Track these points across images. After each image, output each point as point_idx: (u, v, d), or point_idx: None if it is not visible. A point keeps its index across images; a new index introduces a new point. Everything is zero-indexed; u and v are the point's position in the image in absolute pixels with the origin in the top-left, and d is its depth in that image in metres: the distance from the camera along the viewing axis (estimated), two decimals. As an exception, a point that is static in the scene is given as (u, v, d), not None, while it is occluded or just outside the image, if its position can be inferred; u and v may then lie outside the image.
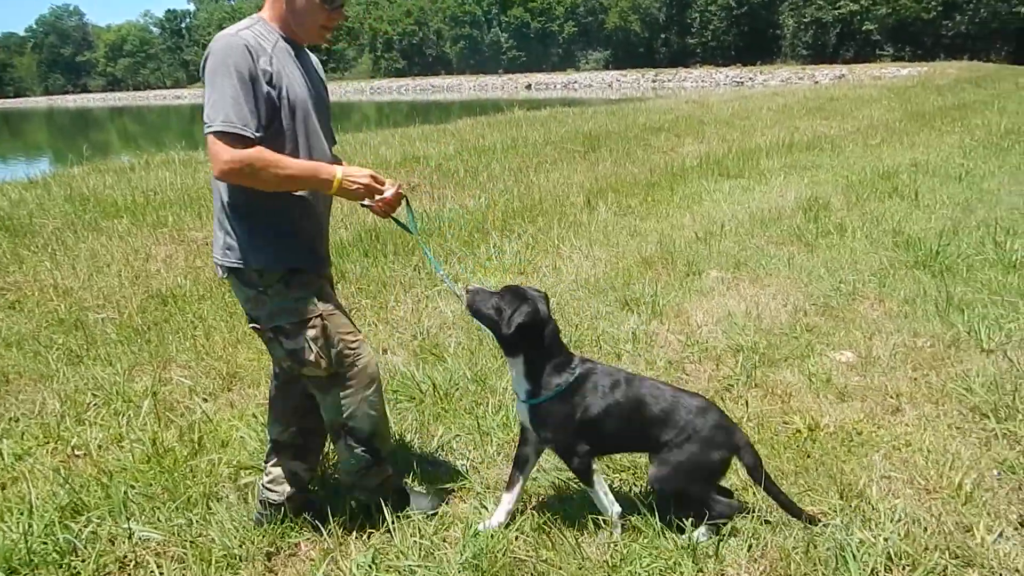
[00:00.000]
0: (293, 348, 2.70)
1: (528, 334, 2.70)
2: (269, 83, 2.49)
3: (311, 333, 2.68)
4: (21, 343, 5.00)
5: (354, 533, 2.94)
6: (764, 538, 2.76)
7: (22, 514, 3.07)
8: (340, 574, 2.74)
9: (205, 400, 4.16)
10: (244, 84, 2.42)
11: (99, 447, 3.69)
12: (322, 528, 2.92)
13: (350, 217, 7.77)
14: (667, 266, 6.12)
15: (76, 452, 3.69)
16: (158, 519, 3.07)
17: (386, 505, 2.92)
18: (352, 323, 2.84)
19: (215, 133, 2.41)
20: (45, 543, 2.91)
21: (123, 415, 3.97)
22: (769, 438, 3.49)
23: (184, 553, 2.89)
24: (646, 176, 10.22)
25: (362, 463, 2.88)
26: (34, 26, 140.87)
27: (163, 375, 4.48)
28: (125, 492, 3.21)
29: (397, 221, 3.11)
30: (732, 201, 8.56)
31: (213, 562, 2.81)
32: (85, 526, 3.01)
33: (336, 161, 2.88)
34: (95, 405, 4.14)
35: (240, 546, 2.89)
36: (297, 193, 2.65)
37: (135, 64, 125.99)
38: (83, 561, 2.84)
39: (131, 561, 2.88)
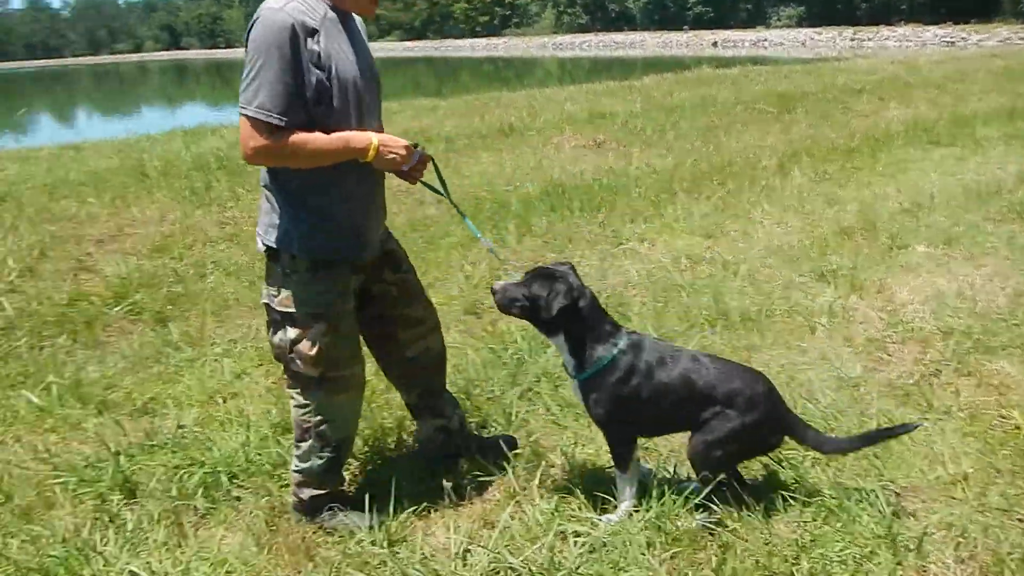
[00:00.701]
0: (295, 338, 2.60)
1: (569, 312, 2.61)
2: (318, 65, 2.36)
3: (320, 327, 2.58)
4: (239, 273, 5.47)
5: (537, 478, 3.00)
6: (974, 538, 2.57)
7: (241, 426, 3.39)
8: (523, 516, 2.82)
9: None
10: (286, 70, 2.30)
11: (305, 373, 3.98)
12: (508, 469, 3.01)
13: (536, 172, 7.86)
14: (868, 237, 5.74)
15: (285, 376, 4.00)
16: (356, 444, 3.29)
17: (333, 512, 2.81)
18: (358, 330, 2.77)
19: (248, 117, 2.33)
20: (260, 454, 3.21)
21: (325, 346, 4.26)
22: (982, 432, 3.22)
23: (378, 476, 3.08)
24: (845, 141, 9.59)
25: (321, 467, 2.76)
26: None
27: (361, 312, 4.75)
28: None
29: (429, 186, 2.88)
30: (943, 171, 7.87)
31: (404, 490, 2.96)
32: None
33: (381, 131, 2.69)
34: (301, 335, 4.46)
35: (431, 478, 3.05)
36: (339, 172, 2.51)
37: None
38: (292, 474, 3.09)
39: (333, 480, 3.10)
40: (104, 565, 2.59)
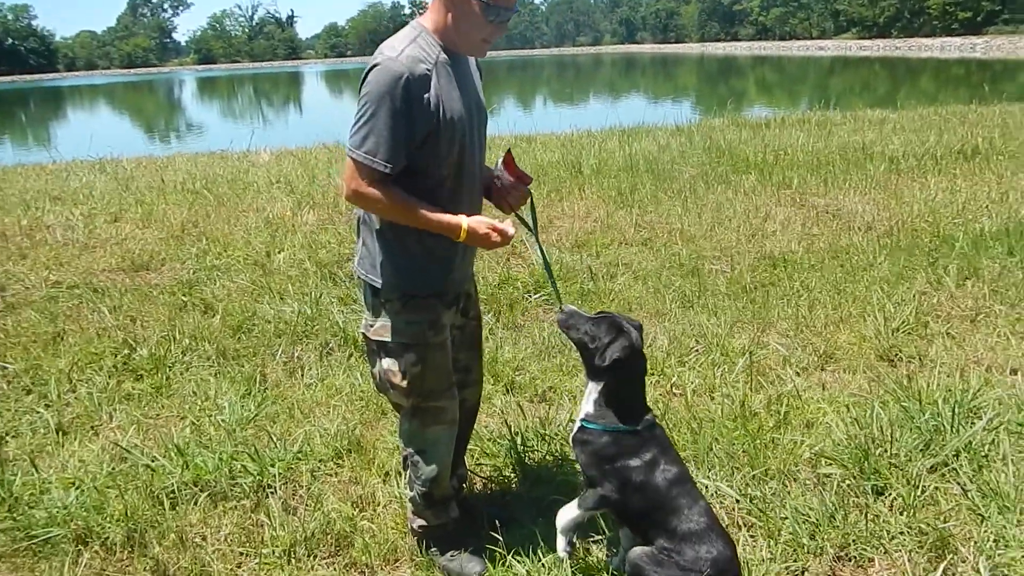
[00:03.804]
0: (388, 368, 2.68)
1: (621, 366, 2.53)
2: (428, 110, 2.42)
3: (410, 358, 2.64)
4: (646, 279, 5.64)
5: (939, 573, 2.62)
6: None
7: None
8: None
9: (797, 374, 4.13)
10: (397, 118, 2.38)
11: (693, 392, 3.97)
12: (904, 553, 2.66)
13: (997, 206, 6.78)
14: None
15: (675, 390, 4.04)
16: (734, 480, 3.18)
17: (444, 549, 2.89)
18: (451, 363, 2.78)
19: (354, 160, 2.43)
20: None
21: (719, 367, 4.20)
22: None
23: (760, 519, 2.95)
24: None
25: (419, 499, 2.86)
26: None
27: (761, 338, 4.58)
28: (710, 443, 3.40)
29: (520, 218, 2.93)
30: None
31: (781, 542, 2.80)
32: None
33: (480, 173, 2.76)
34: (696, 351, 4.45)
35: (811, 539, 2.83)
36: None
37: (786, 13, 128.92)
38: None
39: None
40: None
